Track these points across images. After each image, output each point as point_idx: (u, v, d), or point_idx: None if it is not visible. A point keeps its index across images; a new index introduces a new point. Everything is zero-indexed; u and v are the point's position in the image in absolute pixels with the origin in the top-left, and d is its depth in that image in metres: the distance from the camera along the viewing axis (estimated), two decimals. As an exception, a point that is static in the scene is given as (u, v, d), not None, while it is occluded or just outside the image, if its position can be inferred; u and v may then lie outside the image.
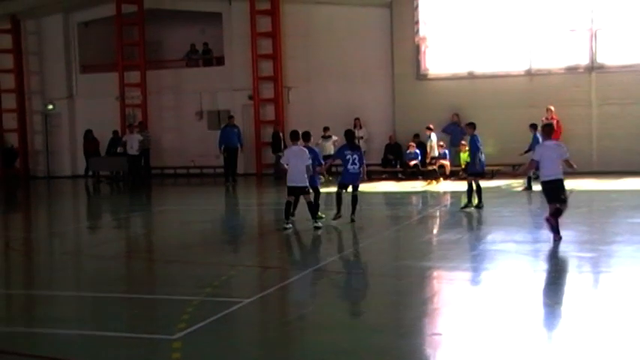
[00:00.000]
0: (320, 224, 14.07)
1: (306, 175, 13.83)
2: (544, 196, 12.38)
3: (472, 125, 16.64)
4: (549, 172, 12.01)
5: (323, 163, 15.60)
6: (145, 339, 7.59)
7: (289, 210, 14.00)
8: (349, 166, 14.70)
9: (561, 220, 12.11)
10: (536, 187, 18.30)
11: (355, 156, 14.70)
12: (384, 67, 25.75)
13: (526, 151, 19.22)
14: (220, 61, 28.91)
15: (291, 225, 13.98)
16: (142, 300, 9.44)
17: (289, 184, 13.93)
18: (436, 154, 23.20)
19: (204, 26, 29.66)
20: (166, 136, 28.73)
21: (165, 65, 29.83)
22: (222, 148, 25.18)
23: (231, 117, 25.98)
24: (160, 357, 7.12)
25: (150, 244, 14.61)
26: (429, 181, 22.49)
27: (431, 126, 23.26)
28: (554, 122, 22.55)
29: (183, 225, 16.35)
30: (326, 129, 24.48)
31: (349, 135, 15.18)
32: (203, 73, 28.82)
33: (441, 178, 22.55)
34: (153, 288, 10.33)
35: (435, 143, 23.23)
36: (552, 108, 22.60)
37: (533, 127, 19.40)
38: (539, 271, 10.75)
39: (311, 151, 14.45)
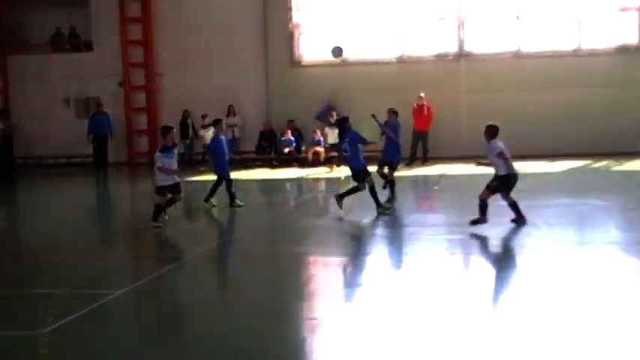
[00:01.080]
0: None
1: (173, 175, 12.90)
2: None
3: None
4: None
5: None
6: (10, 336, 7.21)
7: (162, 210, 13.09)
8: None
9: (431, 205, 12.36)
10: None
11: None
12: (258, 54, 25.60)
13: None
14: (89, 46, 27.88)
15: (161, 225, 13.01)
16: (8, 296, 8.96)
17: (162, 183, 12.85)
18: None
19: (71, 9, 28.47)
20: (31, 124, 27.43)
21: (30, 50, 28.47)
22: (91, 137, 24.36)
23: (99, 104, 25.12)
24: (26, 353, 6.77)
25: (14, 239, 13.93)
26: (330, 167, 22.31)
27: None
28: (425, 108, 23.14)
29: (49, 218, 15.69)
30: (204, 116, 24.03)
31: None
32: (70, 59, 27.68)
33: (335, 166, 22.26)
34: (20, 284, 9.81)
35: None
36: (423, 94, 23.12)
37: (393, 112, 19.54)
38: (409, 253, 10.93)
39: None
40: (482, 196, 11.92)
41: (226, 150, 15.49)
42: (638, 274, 9.55)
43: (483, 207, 11.90)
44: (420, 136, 23.13)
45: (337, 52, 22.64)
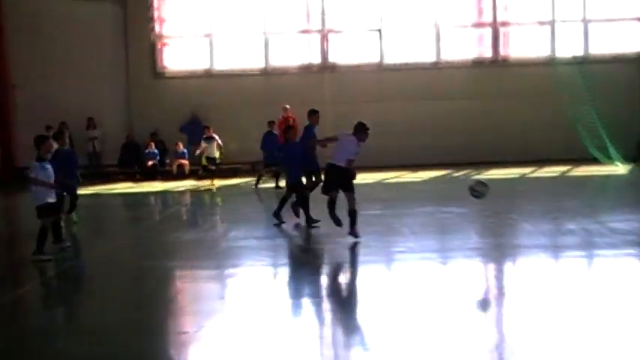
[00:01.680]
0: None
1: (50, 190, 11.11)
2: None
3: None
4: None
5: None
6: None
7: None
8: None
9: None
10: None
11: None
12: (120, 65, 24.96)
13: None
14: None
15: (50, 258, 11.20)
16: None
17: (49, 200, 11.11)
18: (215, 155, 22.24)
19: None
20: None
21: None
22: None
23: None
24: None
25: None
26: (210, 182, 21.61)
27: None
28: (291, 121, 23.18)
29: None
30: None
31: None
32: None
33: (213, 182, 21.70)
34: None
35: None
36: (288, 106, 23.18)
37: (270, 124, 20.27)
38: (280, 265, 10.92)
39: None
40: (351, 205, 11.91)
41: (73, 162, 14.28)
42: (495, 276, 9.88)
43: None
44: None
45: None
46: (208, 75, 24.97)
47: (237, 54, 25.13)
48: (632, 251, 10.64)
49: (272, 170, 19.81)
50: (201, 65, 25.17)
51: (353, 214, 11.66)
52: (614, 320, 7.42)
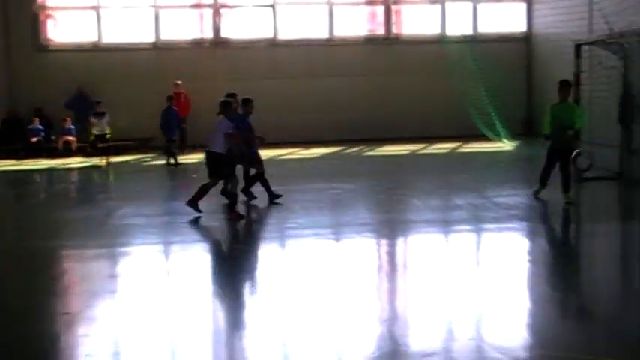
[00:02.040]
0: None
1: None
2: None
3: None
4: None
5: None
6: None
7: None
8: None
9: (191, 193, 12.18)
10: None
11: None
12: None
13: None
14: None
15: None
16: None
17: None
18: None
19: None
20: None
21: None
22: None
23: None
24: None
25: None
26: (100, 160, 20.76)
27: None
28: (182, 96, 22.77)
29: None
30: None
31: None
32: None
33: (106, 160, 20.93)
34: None
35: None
36: (179, 82, 22.74)
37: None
38: (170, 243, 10.71)
39: None
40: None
41: None
42: (385, 251, 10.01)
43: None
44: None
45: None
46: (96, 49, 24.14)
47: (127, 28, 24.42)
48: (514, 225, 10.98)
49: (172, 145, 19.44)
50: (89, 39, 24.34)
51: (228, 196, 11.63)
52: (497, 288, 7.65)
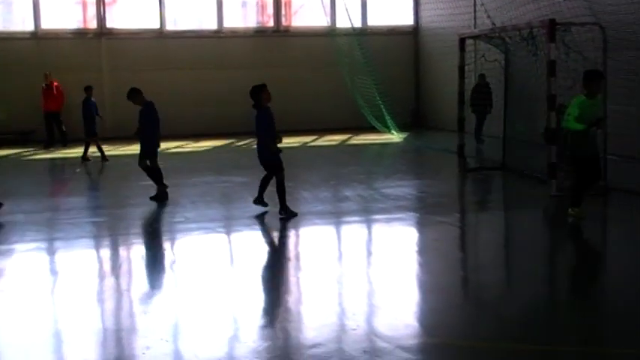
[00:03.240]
0: None
1: None
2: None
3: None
4: None
5: None
6: None
7: None
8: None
9: (77, 187, 11.78)
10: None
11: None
12: None
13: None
14: None
15: None
16: None
17: None
18: None
19: None
20: None
21: None
22: None
23: None
24: None
25: None
26: None
27: None
28: (54, 88, 21.90)
29: None
30: None
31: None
32: None
33: None
34: None
35: None
36: (49, 73, 21.85)
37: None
38: (52, 239, 10.29)
39: None
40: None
41: None
42: (273, 243, 9.93)
43: None
44: (52, 118, 21.86)
45: None
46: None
47: (4, 16, 23.37)
48: (402, 215, 11.10)
49: (95, 139, 18.20)
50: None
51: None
52: (384, 279, 7.69)
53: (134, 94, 12.45)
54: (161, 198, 12.14)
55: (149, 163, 12.50)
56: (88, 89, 18.43)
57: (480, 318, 6.59)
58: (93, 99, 18.39)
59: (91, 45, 23.74)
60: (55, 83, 21.74)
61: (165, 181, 12.49)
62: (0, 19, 23.44)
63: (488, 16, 17.72)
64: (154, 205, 12.07)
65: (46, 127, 21.67)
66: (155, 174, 12.48)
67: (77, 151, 19.25)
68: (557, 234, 10.38)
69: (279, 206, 10.78)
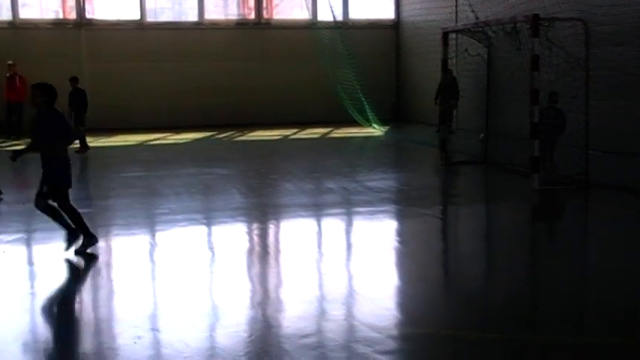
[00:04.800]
0: None
1: None
2: None
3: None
4: None
5: None
6: None
7: None
8: None
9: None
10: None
11: None
12: None
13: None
14: None
15: None
16: None
17: None
18: None
19: None
20: None
21: None
22: None
23: None
24: None
25: None
26: None
27: None
28: (17, 79, 21.61)
29: None
30: None
31: None
32: None
33: None
34: None
35: None
36: (11, 62, 21.59)
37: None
38: (33, 231, 10.22)
39: None
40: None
41: None
42: (257, 235, 9.91)
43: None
44: (14, 109, 21.56)
45: None
46: None
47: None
48: (386, 207, 11.15)
49: (84, 130, 17.79)
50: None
51: None
52: (370, 270, 7.73)
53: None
54: None
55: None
56: (74, 80, 18.10)
57: (464, 308, 6.64)
58: (81, 87, 18.08)
59: (70, 35, 23.53)
60: (20, 74, 21.42)
61: (145, 172, 12.41)
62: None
63: (472, 10, 17.79)
64: (138, 196, 12.01)
65: (6, 118, 21.44)
66: None
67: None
68: (538, 227, 10.49)
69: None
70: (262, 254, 8.77)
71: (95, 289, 7.36)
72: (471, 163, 15.30)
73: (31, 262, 8.51)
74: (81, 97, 17.90)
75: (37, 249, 9.16)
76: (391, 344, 5.70)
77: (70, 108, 17.35)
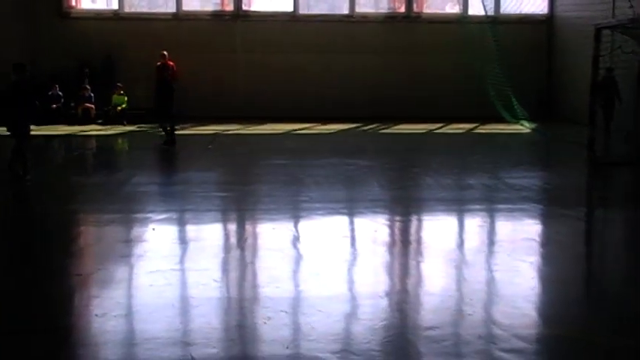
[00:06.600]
0: None
1: None
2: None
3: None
4: None
5: None
6: None
7: None
8: None
9: (208, 162, 12.23)
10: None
11: None
12: (24, 4, 23.82)
13: None
14: None
15: None
16: None
17: None
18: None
19: None
20: None
21: None
22: None
23: None
24: None
25: None
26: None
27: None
28: (171, 66, 22.45)
29: None
30: None
31: None
32: None
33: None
34: None
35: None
36: (165, 52, 22.43)
37: None
38: (181, 211, 10.81)
39: None
40: None
41: None
42: (394, 227, 10.04)
43: None
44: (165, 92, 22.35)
45: None
46: (117, 17, 24.24)
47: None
48: (525, 206, 10.98)
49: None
50: (110, 7, 24.44)
51: None
52: (504, 268, 7.70)
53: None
54: None
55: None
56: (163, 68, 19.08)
57: (600, 313, 6.51)
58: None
59: (227, 27, 24.43)
60: (171, 63, 21.99)
61: (289, 161, 12.79)
62: (145, 2, 24.51)
63: (631, 6, 17.08)
64: (279, 183, 12.42)
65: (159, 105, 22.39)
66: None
67: (211, 128, 19.85)
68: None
69: None
70: (398, 246, 8.90)
71: (231, 270, 7.73)
72: (621, 164, 14.74)
73: (179, 240, 9.02)
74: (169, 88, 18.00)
75: (185, 228, 9.70)
76: (515, 343, 5.69)
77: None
